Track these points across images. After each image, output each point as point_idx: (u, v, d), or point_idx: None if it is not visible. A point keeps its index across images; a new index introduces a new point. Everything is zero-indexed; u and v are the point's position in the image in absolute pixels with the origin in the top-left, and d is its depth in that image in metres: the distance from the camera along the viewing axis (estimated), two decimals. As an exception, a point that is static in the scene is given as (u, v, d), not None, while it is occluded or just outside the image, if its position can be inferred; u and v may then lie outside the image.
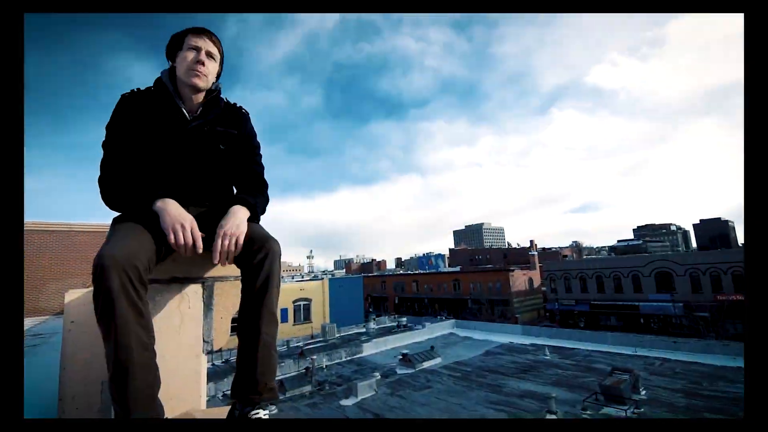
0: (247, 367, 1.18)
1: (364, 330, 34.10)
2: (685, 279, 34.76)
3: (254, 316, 1.19)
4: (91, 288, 3.45)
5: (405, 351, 24.03)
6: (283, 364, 21.49)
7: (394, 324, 36.27)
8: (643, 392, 15.81)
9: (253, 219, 1.35)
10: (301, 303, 33.52)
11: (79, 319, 3.74)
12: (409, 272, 75.80)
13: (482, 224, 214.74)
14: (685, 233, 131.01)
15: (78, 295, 3.80)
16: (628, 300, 38.44)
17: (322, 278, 37.62)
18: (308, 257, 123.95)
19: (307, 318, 33.78)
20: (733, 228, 77.29)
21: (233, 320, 1.49)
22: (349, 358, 24.78)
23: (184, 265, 1.39)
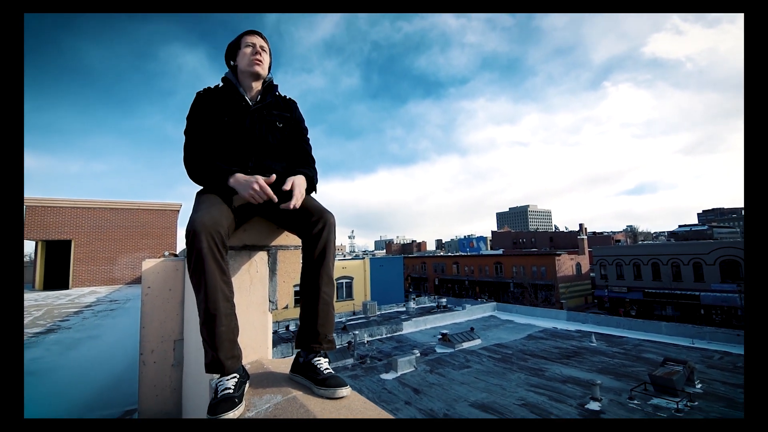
0: (309, 321, 1.38)
1: (404, 309, 34.77)
2: (756, 268, 31.64)
3: (315, 279, 1.38)
4: (163, 258, 3.85)
5: (444, 331, 24.29)
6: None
7: (434, 304, 36.60)
8: (699, 385, 14.93)
9: (310, 187, 1.56)
10: (344, 281, 34.68)
11: (154, 285, 4.22)
12: (449, 254, 75.39)
13: (527, 206, 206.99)
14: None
15: (153, 264, 4.27)
16: (687, 289, 35.80)
17: (363, 258, 38.51)
18: (349, 237, 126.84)
19: (349, 295, 34.95)
20: (821, 213, 68.36)
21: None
22: (389, 335, 25.49)
23: (252, 234, 1.59)
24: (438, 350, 21.55)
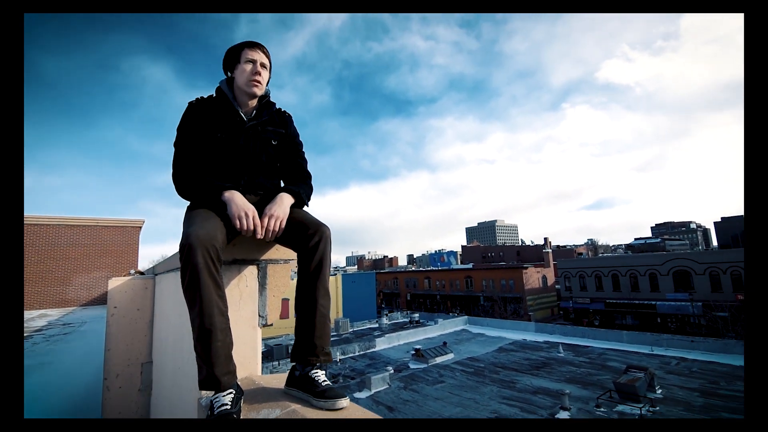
0: (306, 333, 1.37)
1: (376, 325, 34.43)
2: (704, 278, 33.98)
3: (311, 291, 1.38)
4: (130, 277, 3.70)
5: (418, 346, 24.20)
6: (297, 357, 21.90)
7: (407, 320, 36.48)
8: (659, 391, 15.66)
9: (299, 204, 1.55)
10: (315, 298, 33.93)
11: (121, 305, 4.00)
12: (421, 269, 75.83)
13: (495, 221, 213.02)
14: (706, 231, 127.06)
15: (120, 282, 4.06)
16: (644, 299, 37.79)
17: (335, 274, 38.02)
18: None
19: (321, 313, 34.21)
20: (756, 226, 74.14)
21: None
22: (362, 353, 25.08)
23: (242, 249, 1.58)
24: (411, 366, 21.41)
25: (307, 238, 1.39)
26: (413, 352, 22.96)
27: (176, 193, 1.46)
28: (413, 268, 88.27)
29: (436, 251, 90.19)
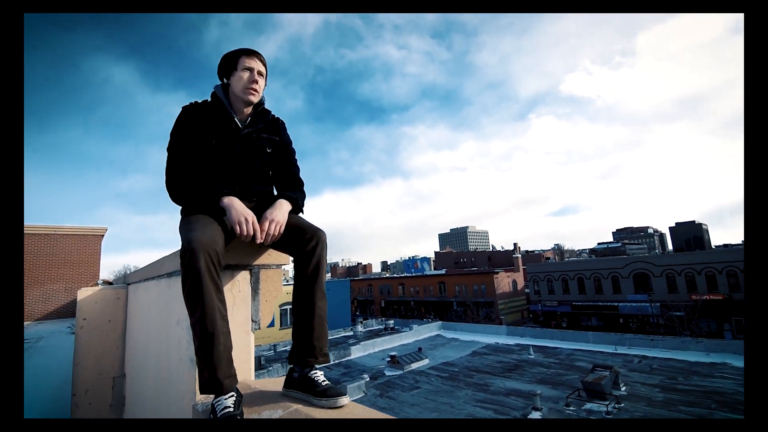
0: (304, 335, 1.40)
1: (351, 333, 34.15)
2: (661, 280, 36.08)
3: (309, 294, 1.41)
4: (99, 287, 3.57)
5: (393, 353, 24.19)
6: (270, 368, 21.41)
7: (382, 327, 36.40)
8: (623, 388, 16.40)
9: (296, 210, 1.58)
10: (288, 307, 33.32)
11: (91, 316, 3.83)
12: (395, 275, 76.08)
13: (467, 227, 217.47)
14: (662, 236, 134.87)
15: (90, 293, 3.89)
16: (607, 301, 39.61)
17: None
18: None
19: (294, 322, 33.57)
20: (707, 230, 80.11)
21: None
22: (337, 361, 24.77)
23: (235, 254, 1.59)
24: (387, 373, 21.35)
25: (305, 242, 1.43)
26: (389, 359, 22.92)
27: (170, 198, 1.46)
28: (387, 275, 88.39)
29: (409, 257, 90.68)
